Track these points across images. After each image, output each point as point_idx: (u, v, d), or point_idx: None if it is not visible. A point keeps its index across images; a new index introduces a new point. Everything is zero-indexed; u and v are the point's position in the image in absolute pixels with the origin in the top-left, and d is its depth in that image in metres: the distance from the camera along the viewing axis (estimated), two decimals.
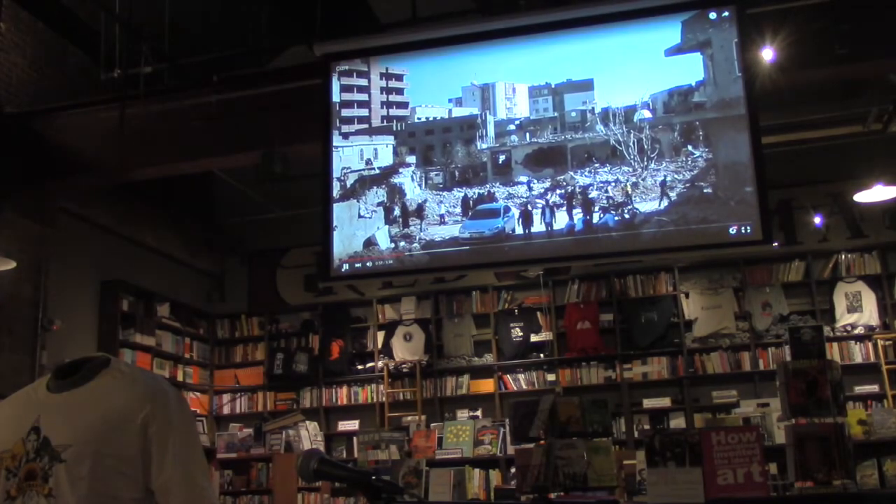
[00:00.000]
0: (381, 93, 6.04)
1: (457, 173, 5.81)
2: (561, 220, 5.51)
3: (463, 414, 9.34)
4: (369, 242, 5.81)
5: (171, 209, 9.30)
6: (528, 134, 5.73)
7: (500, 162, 5.73)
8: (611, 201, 5.42)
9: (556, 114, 5.70)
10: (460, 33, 5.78)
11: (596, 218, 5.43)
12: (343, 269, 5.66)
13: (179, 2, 7.15)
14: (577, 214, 5.49)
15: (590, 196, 5.49)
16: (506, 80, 5.82)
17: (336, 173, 5.98)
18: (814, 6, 5.48)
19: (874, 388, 8.43)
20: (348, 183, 5.97)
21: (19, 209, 7.04)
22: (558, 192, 5.56)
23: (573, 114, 5.66)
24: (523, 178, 5.66)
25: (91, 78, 7.28)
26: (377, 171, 5.95)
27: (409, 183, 5.88)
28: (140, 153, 6.80)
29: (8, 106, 7.02)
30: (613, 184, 5.43)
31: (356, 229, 5.86)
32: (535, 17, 5.66)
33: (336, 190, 5.96)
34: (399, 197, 5.87)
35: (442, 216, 5.75)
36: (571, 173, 5.58)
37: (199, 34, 8.12)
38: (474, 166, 5.79)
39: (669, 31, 5.45)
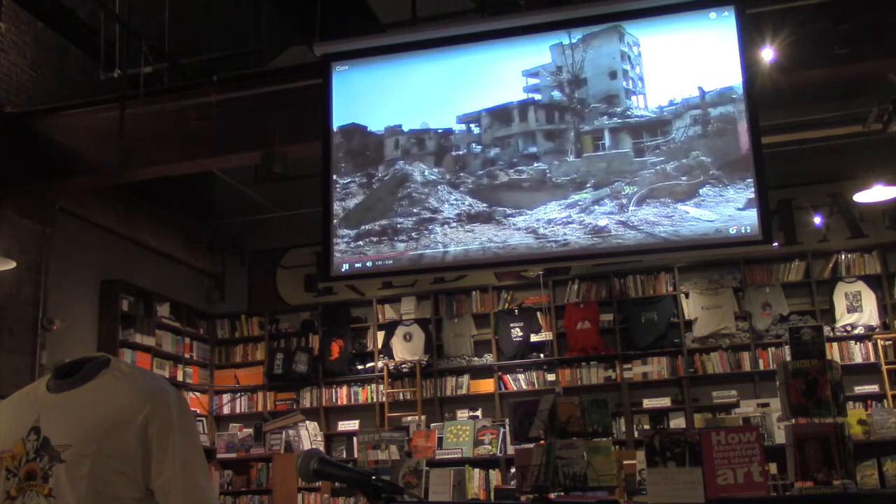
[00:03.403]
0: None
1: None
2: None
3: (463, 414, 9.34)
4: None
5: (171, 209, 9.30)
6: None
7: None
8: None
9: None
10: (460, 33, 5.77)
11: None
12: (343, 269, 5.65)
13: (179, 2, 7.16)
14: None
15: None
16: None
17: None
18: (814, 6, 5.47)
19: (874, 388, 8.43)
20: None
21: (19, 209, 7.04)
22: None
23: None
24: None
25: (91, 78, 7.29)
26: None
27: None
28: (140, 153, 6.79)
29: (8, 106, 7.02)
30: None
31: None
32: (535, 16, 5.64)
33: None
34: None
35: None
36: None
37: (199, 34, 8.13)
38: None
39: (671, 30, 5.43)
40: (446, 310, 9.85)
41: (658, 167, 5.15)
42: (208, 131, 6.52)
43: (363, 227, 5.53)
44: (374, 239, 5.50)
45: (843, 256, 8.95)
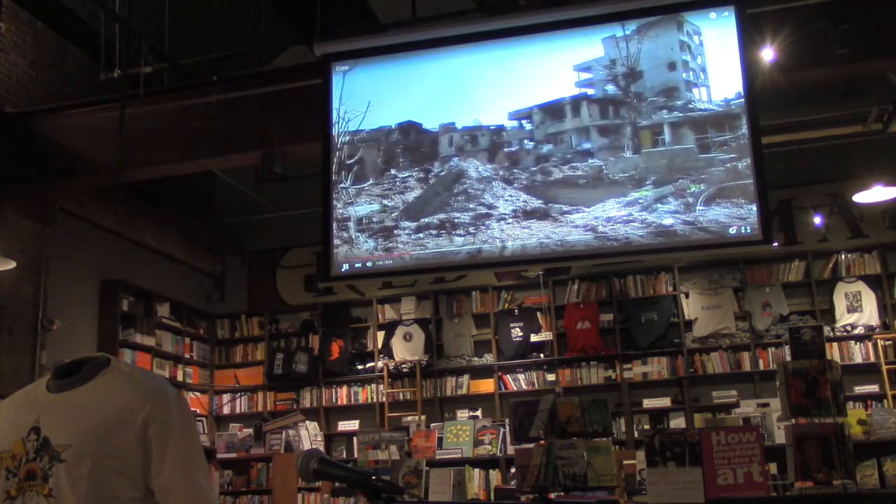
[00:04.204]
0: None
1: None
2: None
3: (463, 414, 9.34)
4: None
5: (171, 209, 9.30)
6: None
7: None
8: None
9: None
10: (460, 33, 5.77)
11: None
12: (343, 269, 5.66)
13: (179, 2, 7.15)
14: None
15: None
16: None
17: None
18: (814, 6, 5.47)
19: (874, 388, 8.43)
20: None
21: (19, 209, 7.04)
22: None
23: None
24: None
25: (91, 78, 7.29)
26: None
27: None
28: (140, 153, 6.79)
29: (8, 106, 7.02)
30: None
31: None
32: (535, 16, 5.64)
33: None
34: None
35: None
36: None
37: (199, 34, 8.12)
38: None
39: (671, 29, 5.43)
40: (446, 310, 9.85)
41: (728, 164, 4.92)
42: (208, 131, 6.52)
43: (423, 220, 5.49)
44: (434, 232, 5.46)
45: (843, 256, 8.95)
